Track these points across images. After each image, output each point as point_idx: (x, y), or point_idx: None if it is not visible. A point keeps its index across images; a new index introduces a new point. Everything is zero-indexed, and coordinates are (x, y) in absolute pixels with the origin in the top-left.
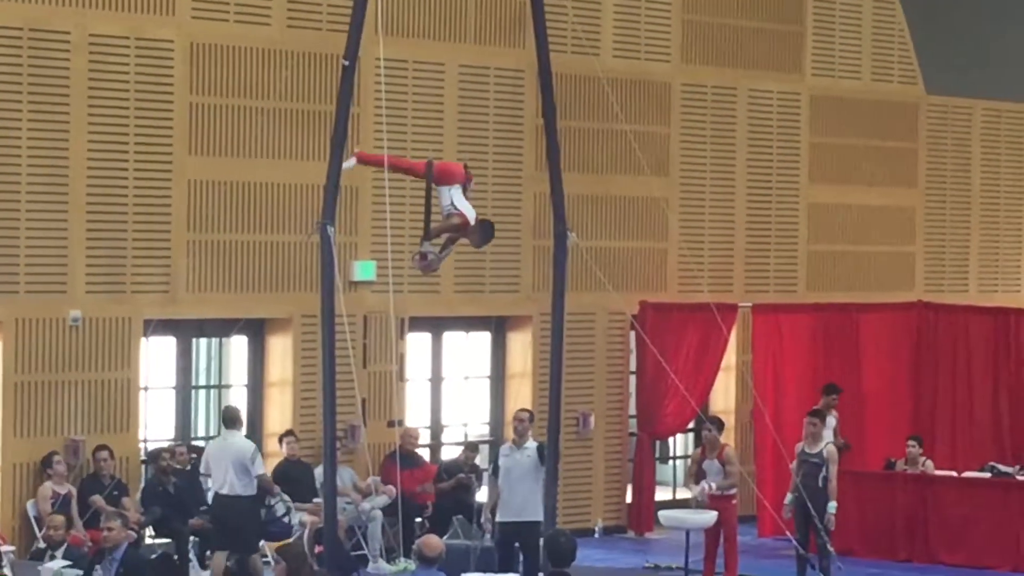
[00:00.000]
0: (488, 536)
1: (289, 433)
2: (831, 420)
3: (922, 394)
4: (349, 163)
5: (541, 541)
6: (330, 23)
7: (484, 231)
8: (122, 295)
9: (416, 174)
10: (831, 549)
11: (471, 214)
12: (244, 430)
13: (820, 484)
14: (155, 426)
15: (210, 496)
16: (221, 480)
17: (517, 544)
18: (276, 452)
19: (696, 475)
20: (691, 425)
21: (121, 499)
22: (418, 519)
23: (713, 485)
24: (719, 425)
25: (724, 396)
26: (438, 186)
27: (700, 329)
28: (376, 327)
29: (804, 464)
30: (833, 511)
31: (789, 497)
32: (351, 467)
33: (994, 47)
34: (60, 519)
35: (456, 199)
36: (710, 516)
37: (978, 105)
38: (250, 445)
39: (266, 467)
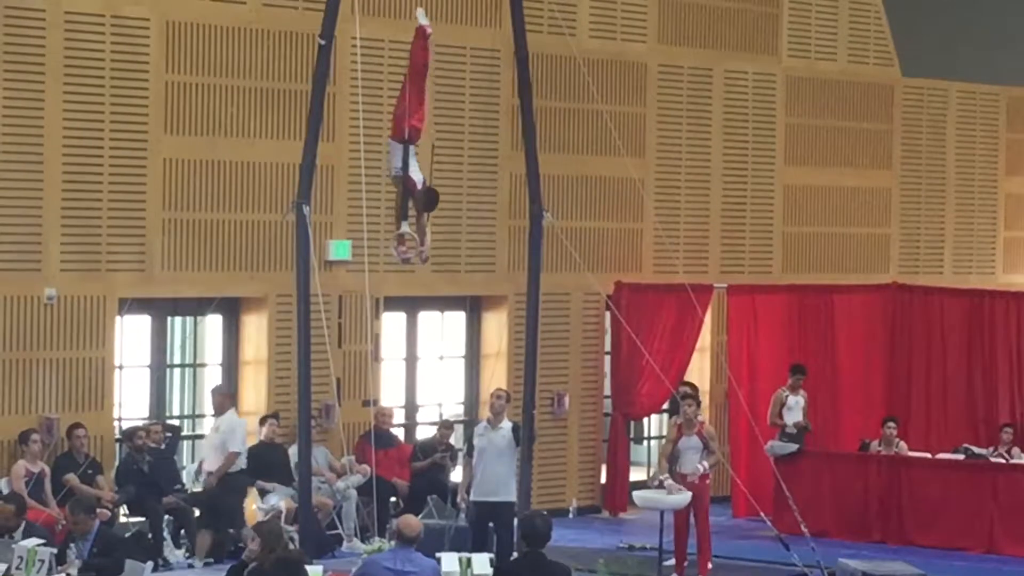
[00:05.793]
0: (463, 515)
1: (274, 416)
2: (800, 400)
3: (896, 376)
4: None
5: (515, 521)
6: (306, 2)
7: (428, 197)
8: (97, 273)
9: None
10: None
11: (419, 178)
12: None
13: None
14: (130, 404)
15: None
16: None
17: (491, 524)
18: (253, 431)
19: (670, 456)
20: (666, 406)
21: (95, 477)
22: (392, 499)
23: (707, 464)
24: (696, 398)
25: (699, 377)
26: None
27: (675, 310)
28: (351, 306)
29: None
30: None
31: None
32: (326, 447)
33: (970, 29)
34: (10, 509)
35: (410, 162)
36: (685, 496)
37: (953, 87)
38: None
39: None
